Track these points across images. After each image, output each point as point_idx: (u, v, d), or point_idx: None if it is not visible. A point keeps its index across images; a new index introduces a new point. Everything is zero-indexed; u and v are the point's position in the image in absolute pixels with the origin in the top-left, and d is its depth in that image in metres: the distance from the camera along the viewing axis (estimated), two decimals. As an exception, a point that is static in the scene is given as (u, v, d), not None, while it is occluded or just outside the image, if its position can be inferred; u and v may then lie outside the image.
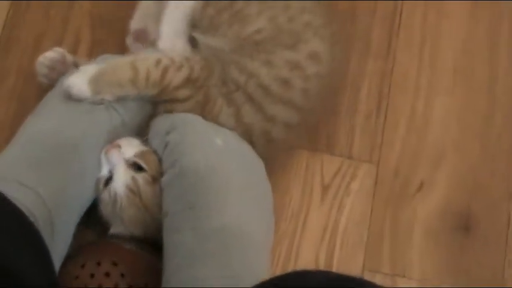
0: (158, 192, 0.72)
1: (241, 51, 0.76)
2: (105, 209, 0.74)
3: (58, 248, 0.71)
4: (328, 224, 0.82)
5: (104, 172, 0.74)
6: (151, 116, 0.77)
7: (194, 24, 0.80)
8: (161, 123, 0.75)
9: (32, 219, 0.64)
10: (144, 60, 0.75)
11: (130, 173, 0.72)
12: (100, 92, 0.74)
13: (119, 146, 0.73)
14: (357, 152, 0.87)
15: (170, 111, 0.76)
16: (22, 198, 0.67)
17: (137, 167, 0.73)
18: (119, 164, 0.73)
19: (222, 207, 0.70)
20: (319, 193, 0.85)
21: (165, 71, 0.74)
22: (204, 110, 0.76)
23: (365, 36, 0.91)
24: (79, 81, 0.74)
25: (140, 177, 0.72)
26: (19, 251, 0.59)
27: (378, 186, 0.86)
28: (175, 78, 0.74)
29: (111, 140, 0.76)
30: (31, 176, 0.71)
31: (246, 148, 0.77)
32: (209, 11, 0.78)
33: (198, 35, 0.79)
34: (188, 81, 0.75)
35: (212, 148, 0.73)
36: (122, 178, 0.72)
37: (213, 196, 0.70)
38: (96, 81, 0.74)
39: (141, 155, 0.73)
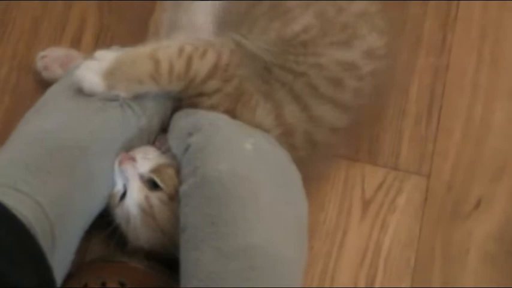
0: (176, 212, 0.70)
1: (285, 53, 0.74)
2: (121, 224, 0.73)
3: (59, 264, 0.69)
4: (369, 244, 0.79)
5: (119, 187, 0.73)
6: (173, 112, 0.75)
7: (221, 20, 0.78)
8: (183, 122, 0.73)
9: (30, 230, 0.64)
10: (165, 49, 0.73)
11: (145, 191, 0.70)
12: (115, 87, 0.72)
13: (134, 159, 0.72)
14: (404, 163, 0.85)
15: (195, 106, 0.74)
16: (19, 207, 0.65)
17: (153, 184, 0.71)
18: (133, 180, 0.72)
19: (249, 223, 0.68)
20: (359, 209, 0.82)
21: (189, 60, 0.72)
22: (238, 102, 0.73)
23: (416, 27, 0.90)
24: (91, 74, 0.71)
25: (155, 197, 0.70)
26: (16, 267, 0.59)
27: (428, 203, 0.83)
28: (201, 67, 0.72)
29: (125, 144, 0.74)
30: (30, 181, 0.69)
31: (281, 155, 0.74)
32: (241, 4, 0.76)
33: (233, 35, 0.75)
34: (216, 69, 0.72)
35: (240, 154, 0.71)
36: (135, 197, 0.71)
37: (239, 210, 0.68)
38: (111, 75, 0.71)
39: (157, 170, 0.71)
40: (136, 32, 0.84)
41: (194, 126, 0.71)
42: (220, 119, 0.72)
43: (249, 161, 0.71)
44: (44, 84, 0.78)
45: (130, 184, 0.71)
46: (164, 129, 0.76)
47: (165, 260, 0.76)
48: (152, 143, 0.77)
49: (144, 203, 0.70)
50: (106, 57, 0.73)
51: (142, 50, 0.74)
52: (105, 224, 0.77)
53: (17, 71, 0.84)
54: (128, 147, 0.75)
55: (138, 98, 0.74)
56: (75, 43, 0.86)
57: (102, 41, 0.86)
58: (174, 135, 0.73)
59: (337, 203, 0.83)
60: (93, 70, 0.72)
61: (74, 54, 0.81)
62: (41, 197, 0.68)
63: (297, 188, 0.75)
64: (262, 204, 0.70)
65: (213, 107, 0.73)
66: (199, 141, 0.70)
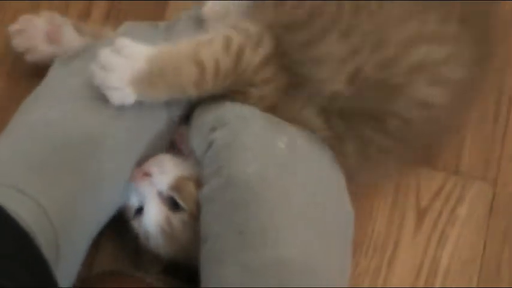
0: (198, 231, 0.67)
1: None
2: (139, 236, 0.70)
3: (63, 277, 0.65)
4: (425, 261, 0.74)
5: (133, 202, 0.69)
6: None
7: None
8: (206, 115, 0.68)
9: (32, 238, 0.61)
10: (208, 45, 0.66)
11: (165, 211, 0.67)
12: (150, 96, 0.66)
13: (150, 175, 0.68)
14: (466, 166, 0.79)
15: (239, 100, 0.68)
16: (20, 210, 0.61)
17: (173, 203, 0.68)
18: (151, 199, 0.68)
19: (281, 233, 0.63)
20: (413, 220, 0.76)
21: (240, 53, 0.65)
22: (286, 95, 0.67)
23: None
24: (119, 81, 0.64)
25: (176, 219, 0.67)
26: (15, 280, 0.56)
27: (493, 213, 0.77)
28: (254, 57, 0.66)
29: (151, 140, 0.69)
30: (32, 181, 0.65)
31: (321, 156, 0.68)
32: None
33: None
34: (272, 55, 0.66)
35: (272, 154, 0.66)
36: (154, 218, 0.67)
37: (268, 218, 0.63)
38: (146, 83, 0.65)
39: (177, 186, 0.67)
40: (152, 8, 0.79)
41: (219, 120, 0.66)
42: (250, 113, 0.67)
43: (282, 161, 0.66)
44: (44, 66, 0.73)
45: (149, 203, 0.68)
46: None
47: (185, 273, 0.72)
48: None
49: (165, 225, 0.67)
50: (135, 54, 0.65)
51: (183, 51, 0.66)
52: (115, 233, 0.74)
53: (11, 52, 0.77)
54: (154, 145, 0.70)
55: None
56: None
57: (112, 21, 0.79)
58: (196, 132, 0.68)
59: (387, 211, 0.77)
60: (121, 75, 0.64)
61: (58, 20, 0.73)
62: (45, 199, 0.64)
63: (340, 193, 0.70)
64: (296, 211, 0.65)
65: (262, 100, 0.67)
66: (224, 136, 0.65)
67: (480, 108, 0.81)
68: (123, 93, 0.64)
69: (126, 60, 0.64)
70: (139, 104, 0.65)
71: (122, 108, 0.66)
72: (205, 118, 0.68)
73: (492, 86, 0.82)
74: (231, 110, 0.67)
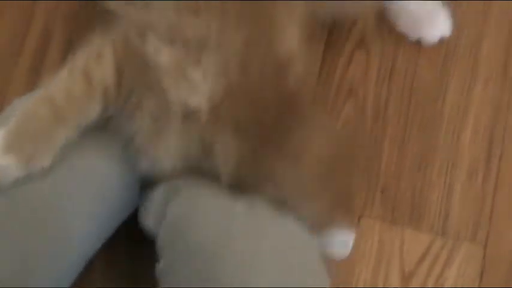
0: None
1: None
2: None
3: None
4: None
5: None
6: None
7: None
8: (158, 191, 0.68)
9: None
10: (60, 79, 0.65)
11: None
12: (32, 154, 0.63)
13: None
14: (454, 227, 0.75)
15: None
16: None
17: None
18: None
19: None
20: (397, 284, 0.73)
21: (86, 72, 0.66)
22: None
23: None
24: None
25: None
26: None
27: (485, 277, 0.74)
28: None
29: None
30: None
31: (285, 219, 0.66)
32: None
33: None
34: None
35: (232, 218, 0.64)
36: None
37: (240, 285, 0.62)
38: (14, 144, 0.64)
39: None
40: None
41: (171, 191, 0.65)
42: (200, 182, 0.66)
43: (243, 227, 0.64)
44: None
45: None
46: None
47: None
48: None
49: None
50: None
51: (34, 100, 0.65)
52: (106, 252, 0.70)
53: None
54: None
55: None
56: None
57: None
58: (150, 204, 0.67)
59: (368, 276, 0.73)
60: None
61: None
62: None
63: (314, 258, 0.65)
64: (268, 279, 0.61)
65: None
66: (179, 206, 0.63)
67: (468, 163, 0.77)
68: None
69: None
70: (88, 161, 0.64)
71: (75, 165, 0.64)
72: (157, 194, 0.67)
73: (482, 137, 0.77)
74: (183, 181, 0.66)
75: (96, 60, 0.63)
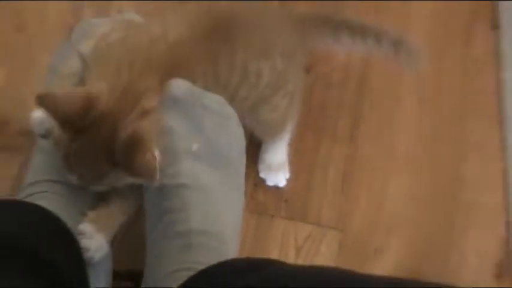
0: None
1: None
2: None
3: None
4: None
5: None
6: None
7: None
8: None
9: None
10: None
11: None
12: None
13: None
14: (325, 220, 0.97)
15: None
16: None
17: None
18: None
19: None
20: (293, 254, 0.96)
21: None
22: None
23: (332, 126, 1.04)
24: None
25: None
26: (60, 250, 0.64)
27: (341, 250, 0.96)
28: None
29: None
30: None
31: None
32: None
33: None
34: None
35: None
36: None
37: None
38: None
39: None
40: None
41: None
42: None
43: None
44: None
45: None
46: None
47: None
48: None
49: None
50: None
51: None
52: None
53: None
54: None
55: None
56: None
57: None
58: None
59: (277, 250, 0.95)
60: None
61: None
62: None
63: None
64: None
65: None
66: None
67: (333, 186, 0.98)
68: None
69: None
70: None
71: None
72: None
73: (339, 174, 0.99)
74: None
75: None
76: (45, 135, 0.71)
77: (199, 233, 0.66)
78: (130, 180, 0.66)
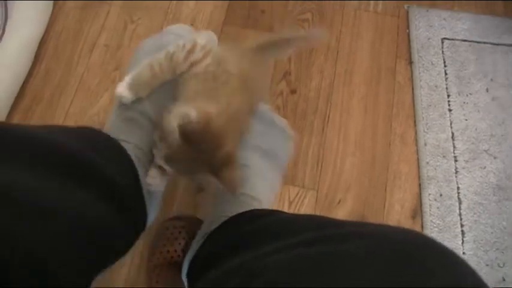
0: None
1: None
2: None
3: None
4: None
5: None
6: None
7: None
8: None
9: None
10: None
11: None
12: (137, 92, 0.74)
13: None
14: (307, 184, 1.23)
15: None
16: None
17: None
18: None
19: None
20: (287, 204, 1.21)
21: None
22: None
23: (309, 125, 1.30)
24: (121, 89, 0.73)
25: None
26: (126, 175, 0.66)
27: (317, 203, 1.22)
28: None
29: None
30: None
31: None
32: None
33: None
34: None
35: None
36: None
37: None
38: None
39: None
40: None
41: None
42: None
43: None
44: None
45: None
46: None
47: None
48: None
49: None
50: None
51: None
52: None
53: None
54: None
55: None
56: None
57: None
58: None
59: (276, 201, 1.17)
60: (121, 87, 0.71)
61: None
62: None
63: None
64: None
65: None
66: None
67: (311, 163, 1.19)
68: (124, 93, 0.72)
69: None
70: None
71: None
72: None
73: (315, 156, 1.21)
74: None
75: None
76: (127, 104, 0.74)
77: (247, 196, 0.80)
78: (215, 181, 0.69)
